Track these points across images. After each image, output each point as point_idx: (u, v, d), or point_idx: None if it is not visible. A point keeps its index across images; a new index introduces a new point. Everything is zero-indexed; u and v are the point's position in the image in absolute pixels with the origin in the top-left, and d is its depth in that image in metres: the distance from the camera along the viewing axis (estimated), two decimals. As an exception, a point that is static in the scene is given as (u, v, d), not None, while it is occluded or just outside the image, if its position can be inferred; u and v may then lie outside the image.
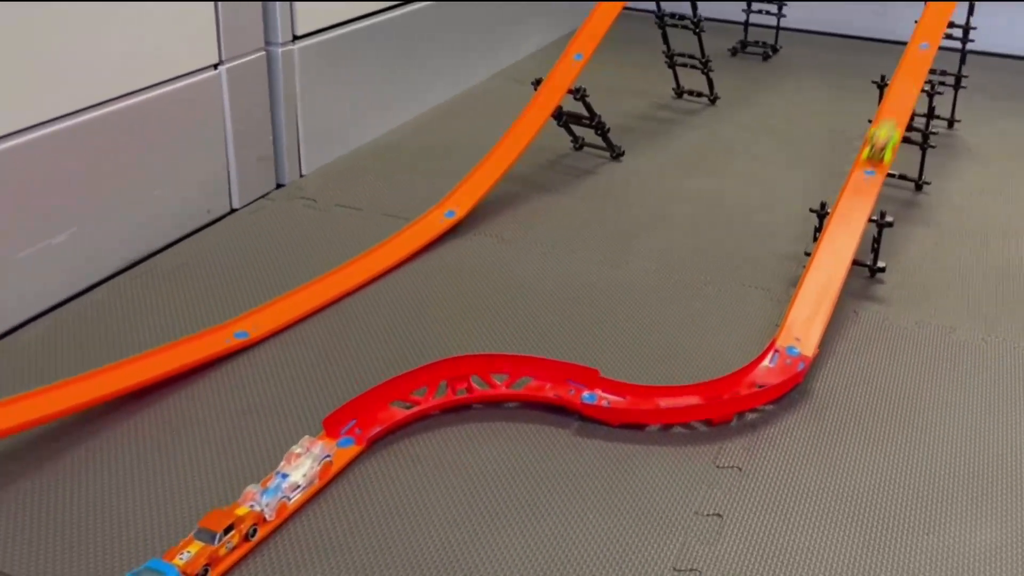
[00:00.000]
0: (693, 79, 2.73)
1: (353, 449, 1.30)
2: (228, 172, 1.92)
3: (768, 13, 3.11)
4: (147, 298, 1.65)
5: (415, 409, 1.38)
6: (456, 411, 1.41)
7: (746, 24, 3.20)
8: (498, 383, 1.44)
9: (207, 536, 1.09)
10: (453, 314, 1.65)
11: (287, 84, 2.02)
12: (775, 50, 3.15)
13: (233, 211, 1.95)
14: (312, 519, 1.20)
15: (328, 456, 1.24)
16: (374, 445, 1.33)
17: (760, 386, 1.45)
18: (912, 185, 2.16)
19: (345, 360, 1.51)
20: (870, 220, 1.74)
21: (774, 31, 3.22)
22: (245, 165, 1.95)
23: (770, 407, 1.45)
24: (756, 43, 3.17)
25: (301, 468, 1.20)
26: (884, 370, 1.54)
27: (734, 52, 3.13)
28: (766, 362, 1.49)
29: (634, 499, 1.26)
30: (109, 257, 1.69)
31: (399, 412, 1.37)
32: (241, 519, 1.12)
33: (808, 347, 1.51)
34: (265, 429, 1.35)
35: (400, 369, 1.46)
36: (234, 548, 1.12)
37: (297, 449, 1.22)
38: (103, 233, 1.68)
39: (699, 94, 2.69)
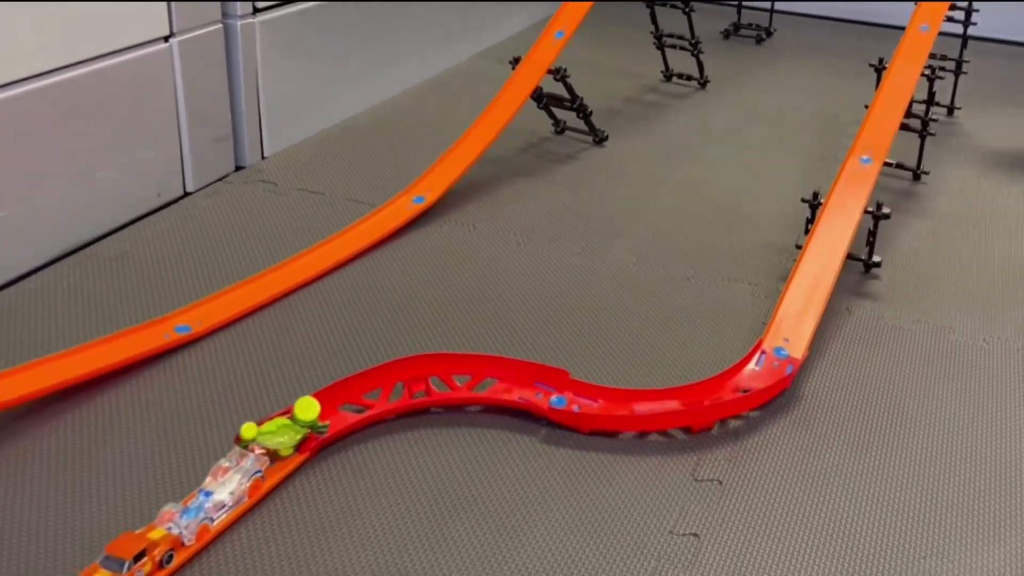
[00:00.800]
0: (683, 62, 2.61)
1: (295, 459, 1.18)
2: (181, 153, 1.79)
3: (762, -6, 2.99)
4: (85, 287, 1.53)
5: (367, 413, 1.26)
6: (413, 416, 1.29)
7: (739, 6, 3.08)
8: (459, 385, 1.32)
9: (114, 564, 0.96)
10: (416, 309, 1.53)
11: (247, 60, 1.89)
12: (769, 33, 3.03)
13: (186, 195, 1.83)
14: (239, 541, 1.08)
15: (259, 471, 1.11)
16: (320, 453, 1.22)
17: (745, 390, 1.33)
18: (910, 174, 2.05)
19: (294, 359, 1.39)
20: (865, 211, 1.62)
21: (768, 14, 3.11)
22: (200, 146, 1.82)
23: (755, 413, 1.34)
24: (749, 25, 3.05)
25: (228, 485, 1.08)
26: (878, 373, 1.43)
27: (727, 35, 3.01)
28: (752, 364, 1.38)
29: (604, 516, 1.15)
30: (45, 242, 1.57)
31: (349, 417, 1.25)
32: (155, 544, 0.99)
33: (797, 348, 1.40)
34: (199, 436, 1.23)
35: (354, 369, 1.34)
36: None
37: (225, 463, 1.10)
38: (40, 216, 1.55)
39: (688, 77, 2.57)
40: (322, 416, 1.20)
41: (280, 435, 1.14)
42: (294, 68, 2.02)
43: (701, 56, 2.52)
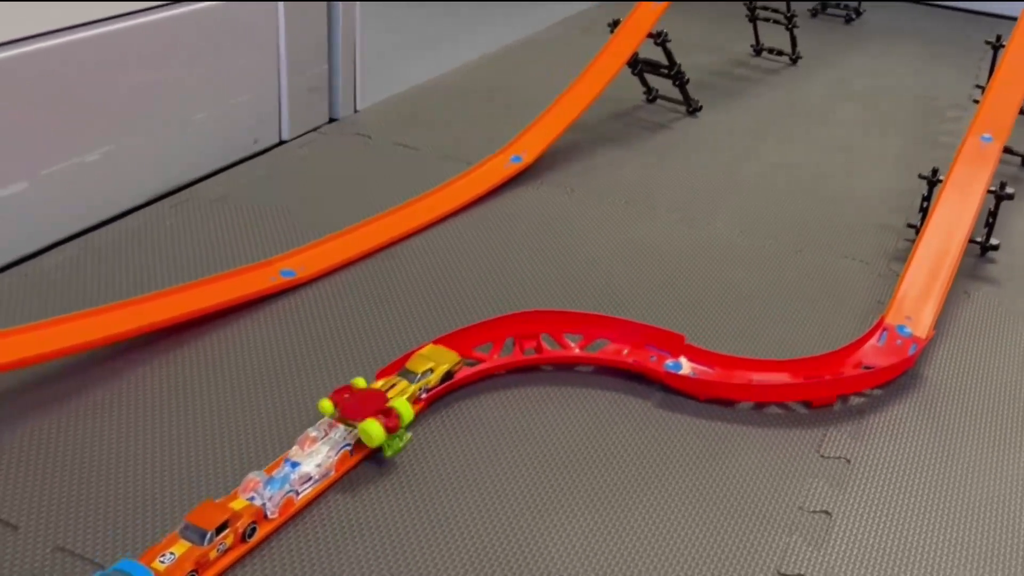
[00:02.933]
0: (773, 37, 2.54)
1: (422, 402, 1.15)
2: (279, 101, 1.76)
3: (854, -27, 2.90)
4: (186, 228, 1.50)
5: (478, 367, 1.22)
6: (523, 372, 1.25)
7: (828, -16, 3.00)
8: (571, 344, 1.28)
9: (195, 535, 0.90)
10: (519, 268, 1.48)
11: (347, 13, 1.85)
12: (858, 13, 2.94)
13: (282, 143, 1.80)
14: (342, 495, 1.04)
15: (348, 445, 1.05)
16: (431, 405, 1.18)
17: (867, 367, 1.28)
18: (1019, 160, 1.97)
19: (397, 311, 1.35)
20: (988, 191, 1.55)
21: (858, -6, 3.02)
22: (297, 94, 1.79)
23: (878, 391, 1.28)
24: (838, 5, 2.97)
25: (315, 457, 1.01)
26: (1004, 361, 1.37)
27: (814, 13, 2.93)
28: (874, 340, 1.32)
29: (729, 488, 1.10)
30: (146, 181, 1.55)
31: (461, 369, 1.21)
32: (237, 515, 0.93)
33: (921, 327, 1.34)
34: (299, 385, 1.20)
35: (458, 324, 1.31)
36: (227, 550, 0.92)
37: (313, 432, 1.04)
38: (140, 155, 1.53)
39: (780, 52, 2.50)
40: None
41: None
42: (391, 23, 1.98)
43: (795, 31, 2.45)
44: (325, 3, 1.79)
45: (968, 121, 2.19)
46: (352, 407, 1.06)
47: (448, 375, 1.17)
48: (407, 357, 1.17)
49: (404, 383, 1.12)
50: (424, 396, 1.14)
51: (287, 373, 1.21)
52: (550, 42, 2.50)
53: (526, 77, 2.24)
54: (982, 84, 2.09)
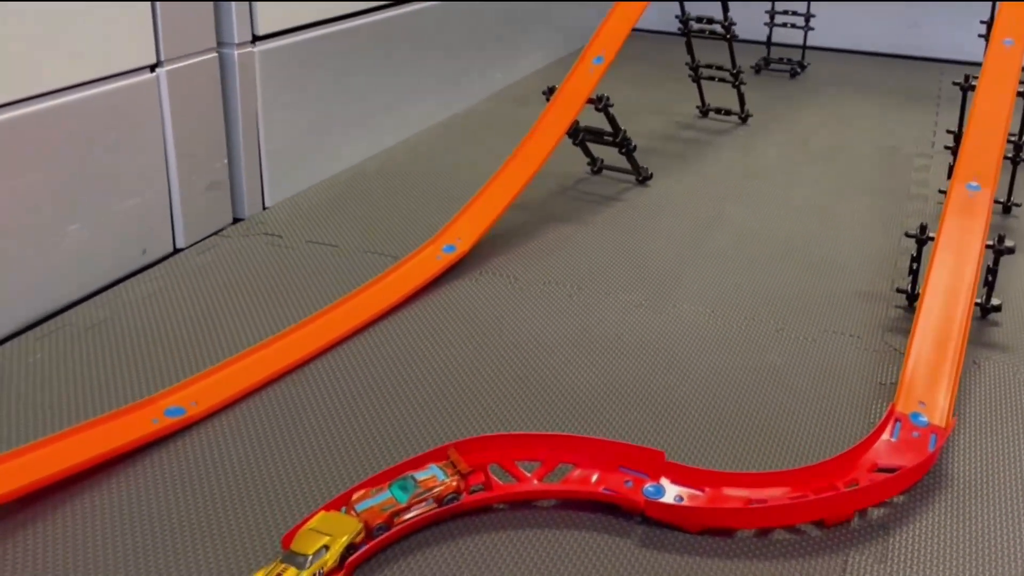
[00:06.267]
0: (718, 96, 2.38)
1: (326, 583, 0.90)
2: (170, 202, 1.53)
3: (794, 26, 2.78)
4: (53, 365, 1.25)
5: (407, 520, 0.98)
6: (469, 516, 1.01)
7: (768, 40, 2.88)
8: (527, 474, 1.05)
9: None
10: (458, 379, 1.25)
11: (245, 95, 1.64)
12: (802, 67, 2.82)
13: (177, 251, 1.56)
14: None
15: None
16: (355, 572, 0.93)
17: (884, 469, 1.06)
18: (999, 207, 1.81)
19: (309, 448, 1.11)
20: (986, 246, 1.37)
21: (799, 49, 2.91)
22: (192, 194, 1.56)
23: (899, 499, 1.06)
24: (781, 60, 2.84)
25: None
26: (1036, 442, 1.16)
27: (758, 70, 2.80)
28: (887, 435, 1.11)
29: (738, 649, 0.86)
30: (5, 312, 1.29)
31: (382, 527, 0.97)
32: None
33: (938, 414, 1.13)
34: (193, 555, 0.94)
35: (388, 460, 1.07)
36: None
37: None
38: (-1, 280, 1.28)
39: (728, 112, 2.34)
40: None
41: None
42: (299, 106, 1.77)
43: (743, 88, 2.30)
44: (219, 85, 1.58)
45: (937, 170, 2.05)
46: None
47: (350, 549, 0.92)
48: (295, 531, 0.92)
49: (291, 571, 0.87)
50: None
51: (171, 541, 0.95)
52: (482, 117, 2.32)
53: (458, 158, 2.04)
54: (943, 130, 1.94)
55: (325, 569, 0.89)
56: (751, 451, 1.13)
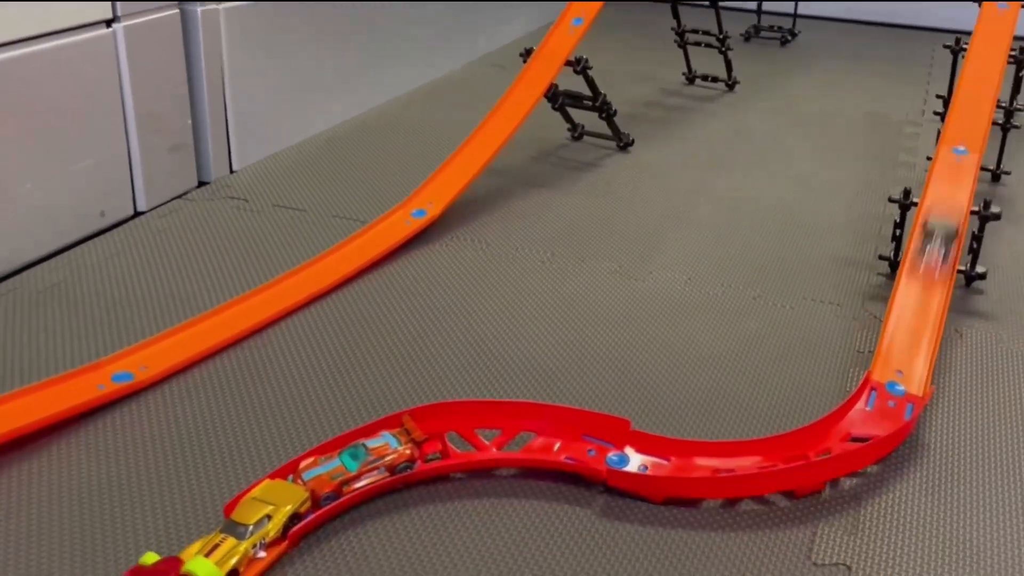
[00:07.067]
0: (705, 63, 2.33)
1: (271, 552, 0.86)
2: (130, 164, 1.48)
3: (784, -6, 2.73)
4: (6, 327, 1.20)
5: (362, 486, 0.94)
6: (426, 485, 0.97)
7: (759, 8, 2.82)
8: (486, 442, 1.00)
9: None
10: (422, 346, 1.21)
11: (210, 54, 1.58)
12: (793, 35, 2.77)
13: (138, 214, 1.51)
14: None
15: None
16: (300, 542, 0.89)
17: (858, 439, 1.02)
18: (987, 175, 1.76)
19: (261, 414, 1.07)
20: (971, 212, 1.32)
21: (790, 17, 2.85)
22: (154, 156, 1.51)
23: (873, 468, 1.02)
24: (771, 28, 2.79)
25: None
26: (1018, 415, 1.12)
27: (747, 37, 2.75)
28: (861, 404, 1.06)
29: (698, 623, 0.83)
30: (-47, 273, 1.25)
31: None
32: None
33: (915, 383, 1.09)
34: (129, 528, 0.90)
35: (341, 428, 1.03)
36: None
37: None
38: (-54, 241, 1.24)
39: (715, 79, 2.29)
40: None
41: None
42: (267, 67, 1.72)
43: (729, 54, 2.24)
44: (181, 43, 1.52)
45: (926, 137, 2.00)
46: None
47: (294, 519, 0.88)
48: (238, 500, 0.88)
49: (229, 542, 0.83)
50: (262, 555, 0.85)
51: (107, 513, 0.91)
52: (461, 83, 2.27)
53: (433, 123, 1.99)
54: (935, 97, 1.89)
55: (267, 539, 0.85)
56: (722, 421, 1.09)
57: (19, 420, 0.99)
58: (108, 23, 1.40)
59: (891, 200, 1.39)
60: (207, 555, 0.80)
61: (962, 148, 1.41)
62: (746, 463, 0.99)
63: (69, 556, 0.86)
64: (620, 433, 1.00)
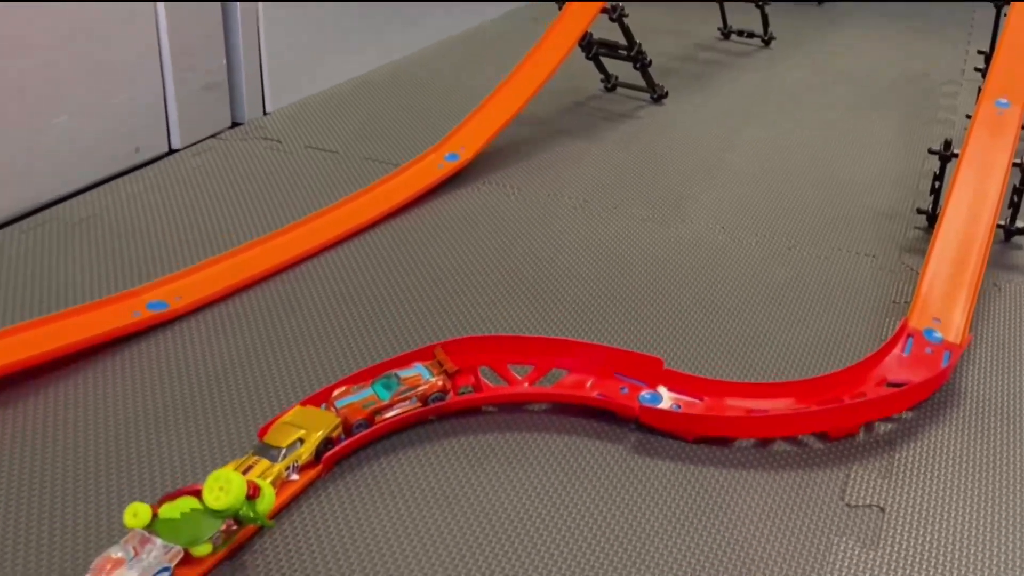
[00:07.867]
0: (740, 19, 2.29)
1: (304, 476, 0.86)
2: (165, 102, 1.48)
3: (824, -51, 2.67)
4: (35, 257, 1.21)
5: (396, 415, 0.94)
6: (458, 417, 0.97)
7: (797, -36, 2.77)
8: (519, 377, 1.00)
9: None
10: (454, 285, 1.21)
11: (245, -6, 1.58)
12: (831, -8, 2.71)
13: (172, 152, 1.52)
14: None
15: (167, 569, 0.74)
16: (336, 467, 0.90)
17: (894, 384, 1.01)
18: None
19: (295, 345, 1.07)
20: (1013, 164, 1.30)
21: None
22: (188, 94, 1.51)
23: (908, 414, 1.01)
24: (809, -15, 2.73)
25: None
26: (1055, 364, 1.11)
27: (784, -6, 2.70)
28: (898, 350, 1.05)
29: (730, 556, 0.83)
30: (-9, 202, 1.26)
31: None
32: None
33: (953, 331, 1.08)
34: (160, 457, 0.91)
35: (375, 357, 1.03)
36: None
37: (118, 552, 0.73)
38: (-16, 171, 1.24)
39: (750, 34, 2.25)
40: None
41: (182, 531, 0.75)
42: (302, 10, 1.70)
43: (766, 9, 2.20)
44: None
45: (967, 96, 1.96)
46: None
47: (326, 444, 0.88)
48: (271, 424, 0.88)
49: (263, 463, 0.83)
50: (295, 478, 0.85)
51: (140, 439, 0.92)
52: (495, 34, 2.24)
53: (466, 72, 1.97)
54: (976, 53, 1.85)
55: (300, 462, 0.86)
56: (755, 364, 1.08)
57: (56, 342, 1.00)
58: (145, -43, 1.39)
59: (931, 151, 1.37)
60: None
61: (1005, 101, 1.38)
62: (780, 405, 0.99)
63: (105, 476, 0.87)
64: (653, 372, 1.00)
